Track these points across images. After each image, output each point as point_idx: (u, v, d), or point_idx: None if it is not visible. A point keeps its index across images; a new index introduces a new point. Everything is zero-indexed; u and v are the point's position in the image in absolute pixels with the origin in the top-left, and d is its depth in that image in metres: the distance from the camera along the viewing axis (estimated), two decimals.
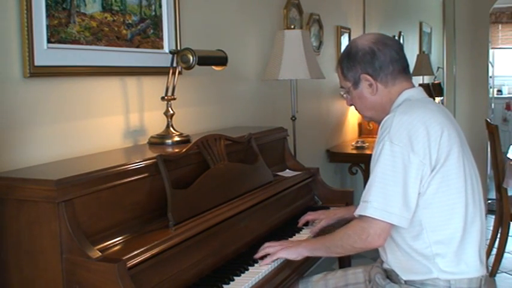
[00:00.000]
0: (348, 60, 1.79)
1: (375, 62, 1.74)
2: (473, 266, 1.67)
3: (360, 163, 4.09)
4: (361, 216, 1.64)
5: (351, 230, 1.69)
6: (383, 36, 1.80)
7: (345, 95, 1.88)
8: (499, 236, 3.82)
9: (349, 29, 4.62)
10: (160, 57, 2.29)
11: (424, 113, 1.65)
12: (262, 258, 1.86)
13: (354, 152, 4.11)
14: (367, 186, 1.65)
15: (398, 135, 1.60)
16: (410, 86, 1.79)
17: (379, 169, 1.61)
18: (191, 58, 2.09)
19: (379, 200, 1.59)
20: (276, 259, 1.84)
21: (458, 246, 1.64)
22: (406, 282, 1.71)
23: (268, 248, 1.87)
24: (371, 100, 1.79)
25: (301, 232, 2.21)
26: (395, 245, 1.71)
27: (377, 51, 1.75)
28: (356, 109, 1.88)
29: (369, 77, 1.76)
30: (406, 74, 1.80)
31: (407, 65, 1.82)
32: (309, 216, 2.24)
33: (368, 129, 4.81)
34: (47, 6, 1.79)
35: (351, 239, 1.68)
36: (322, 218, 2.20)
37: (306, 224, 2.27)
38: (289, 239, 2.11)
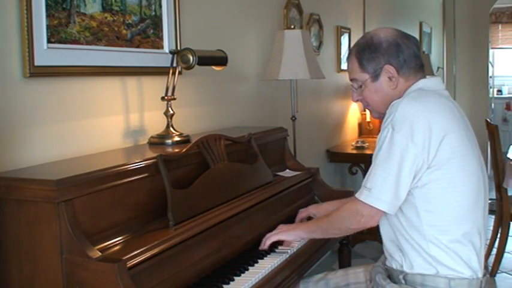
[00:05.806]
0: (370, 51, 1.74)
1: (400, 54, 1.72)
2: (474, 267, 1.66)
3: (360, 163, 4.09)
4: (356, 198, 1.68)
5: (346, 212, 1.73)
6: (403, 32, 1.78)
7: (354, 89, 1.81)
8: (499, 236, 3.82)
9: (349, 29, 4.62)
10: (160, 57, 2.29)
11: (432, 108, 1.61)
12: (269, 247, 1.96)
13: (354, 152, 4.11)
14: (368, 172, 1.67)
15: (400, 123, 1.59)
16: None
17: (380, 156, 1.63)
18: (191, 58, 2.09)
19: (375, 186, 1.62)
20: (276, 240, 1.94)
21: (459, 245, 1.63)
22: (406, 282, 1.70)
23: (268, 235, 1.95)
24: (389, 94, 1.75)
25: None
26: (395, 234, 1.71)
27: (402, 44, 1.73)
28: (367, 104, 1.82)
29: (392, 69, 1.72)
30: (423, 71, 1.78)
31: (423, 64, 1.80)
32: (302, 213, 2.21)
33: (368, 129, 4.80)
34: (47, 6, 1.79)
35: (346, 221, 1.73)
36: (313, 212, 2.18)
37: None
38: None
